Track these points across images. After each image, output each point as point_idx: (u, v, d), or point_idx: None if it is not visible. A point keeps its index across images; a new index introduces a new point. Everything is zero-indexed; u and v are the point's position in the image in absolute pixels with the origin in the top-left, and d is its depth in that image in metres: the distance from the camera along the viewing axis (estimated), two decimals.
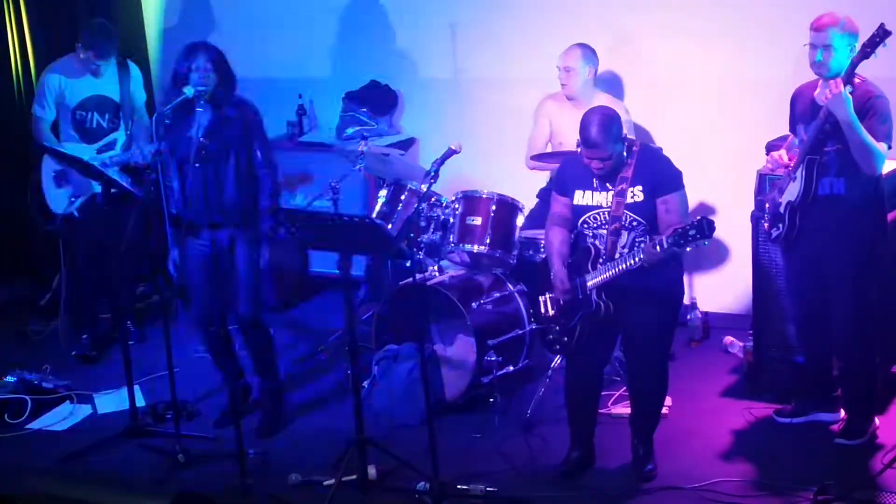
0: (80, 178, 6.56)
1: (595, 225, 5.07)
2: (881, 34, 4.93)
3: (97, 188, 6.52)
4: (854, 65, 5.05)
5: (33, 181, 6.83)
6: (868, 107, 5.10)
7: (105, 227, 6.60)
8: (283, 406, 6.05)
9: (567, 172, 5.21)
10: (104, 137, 6.71)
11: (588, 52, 6.49)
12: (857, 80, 5.10)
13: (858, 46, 5.08)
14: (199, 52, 5.56)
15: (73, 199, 6.71)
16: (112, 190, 6.06)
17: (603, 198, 5.05)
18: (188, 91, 5.46)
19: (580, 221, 5.12)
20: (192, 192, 5.54)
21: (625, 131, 5.10)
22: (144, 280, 7.39)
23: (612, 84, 6.99)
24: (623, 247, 5.00)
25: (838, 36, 5.12)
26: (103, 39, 6.59)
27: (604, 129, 4.92)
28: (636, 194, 4.98)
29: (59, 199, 6.78)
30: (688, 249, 4.71)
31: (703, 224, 4.63)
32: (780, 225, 5.39)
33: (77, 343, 6.95)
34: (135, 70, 6.83)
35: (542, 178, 6.75)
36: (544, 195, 6.63)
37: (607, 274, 4.97)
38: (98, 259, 6.82)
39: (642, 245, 4.90)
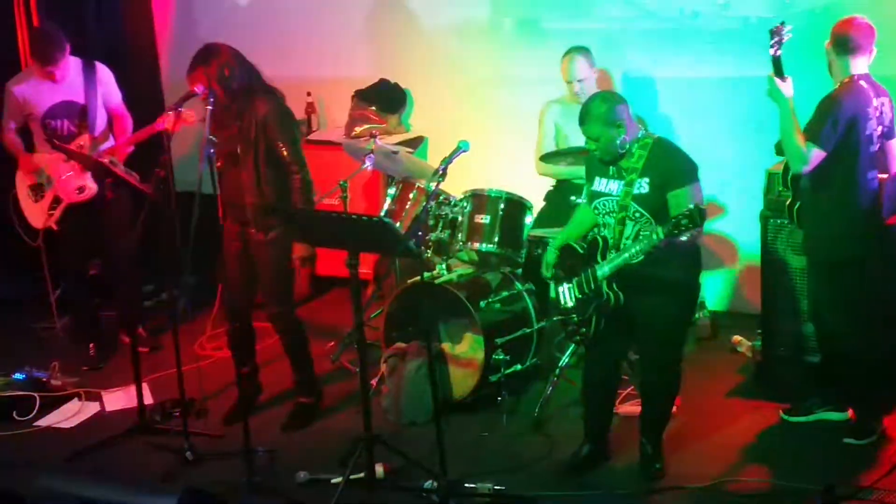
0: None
1: (604, 210, 5.10)
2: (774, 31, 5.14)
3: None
4: (773, 57, 5.17)
5: (11, 198, 6.77)
6: (819, 105, 5.19)
7: (90, 232, 6.63)
8: (316, 401, 6.05)
9: (592, 160, 5.24)
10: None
11: (588, 54, 6.48)
12: (846, 80, 5.18)
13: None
14: (197, 56, 5.55)
15: (50, 212, 6.62)
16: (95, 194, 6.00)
17: (615, 186, 5.08)
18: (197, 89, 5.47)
19: (592, 206, 5.16)
20: (221, 187, 5.56)
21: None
22: (153, 279, 7.39)
23: (619, 82, 6.98)
24: (627, 237, 5.00)
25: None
26: (43, 46, 6.46)
27: (594, 108, 5.00)
28: (643, 186, 4.98)
29: (37, 215, 6.70)
30: (683, 239, 4.73)
31: (693, 213, 4.65)
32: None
33: (87, 354, 6.87)
34: (103, 71, 6.66)
35: (550, 180, 6.72)
36: (552, 197, 6.64)
37: (612, 264, 4.97)
38: (88, 262, 6.78)
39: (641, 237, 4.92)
